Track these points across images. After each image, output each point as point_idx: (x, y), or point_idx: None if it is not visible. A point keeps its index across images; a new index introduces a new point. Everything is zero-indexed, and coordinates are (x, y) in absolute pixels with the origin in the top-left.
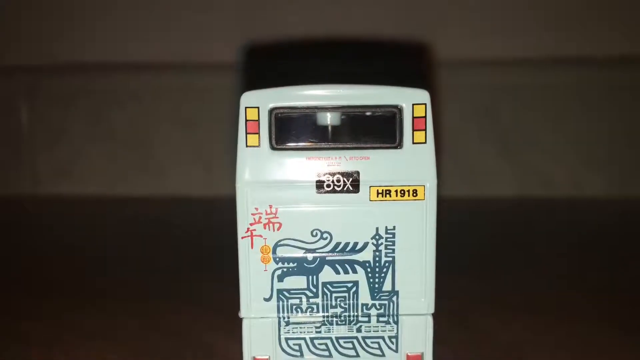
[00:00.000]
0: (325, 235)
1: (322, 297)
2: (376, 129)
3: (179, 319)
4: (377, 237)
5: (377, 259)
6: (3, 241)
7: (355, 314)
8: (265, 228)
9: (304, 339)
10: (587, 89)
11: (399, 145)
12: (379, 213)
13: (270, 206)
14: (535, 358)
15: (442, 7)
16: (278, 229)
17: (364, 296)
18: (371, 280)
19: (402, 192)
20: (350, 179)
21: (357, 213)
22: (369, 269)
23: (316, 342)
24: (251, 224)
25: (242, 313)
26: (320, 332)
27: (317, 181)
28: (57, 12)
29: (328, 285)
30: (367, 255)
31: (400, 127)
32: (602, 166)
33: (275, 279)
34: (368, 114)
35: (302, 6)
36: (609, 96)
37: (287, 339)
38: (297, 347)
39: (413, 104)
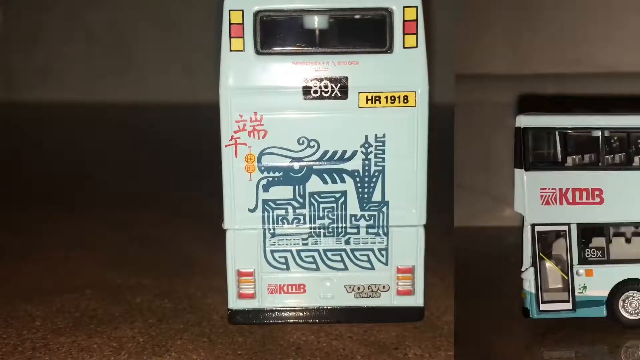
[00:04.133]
0: (312, 143)
1: (309, 207)
2: (366, 33)
3: (160, 229)
4: (366, 145)
5: (366, 168)
6: None
7: (344, 225)
8: (249, 136)
9: (290, 251)
10: None
11: (389, 49)
12: (369, 120)
13: (255, 113)
14: None
15: None
16: (263, 137)
17: (353, 207)
18: (360, 190)
19: (393, 98)
20: (339, 85)
21: (345, 120)
22: (357, 179)
23: (303, 254)
24: (235, 132)
25: (226, 224)
26: (307, 244)
27: (303, 87)
28: None
29: (315, 196)
30: (356, 164)
31: (390, 30)
32: None
33: (260, 189)
34: (357, 16)
35: None
36: None
37: (272, 252)
38: (283, 260)
39: (404, 7)
